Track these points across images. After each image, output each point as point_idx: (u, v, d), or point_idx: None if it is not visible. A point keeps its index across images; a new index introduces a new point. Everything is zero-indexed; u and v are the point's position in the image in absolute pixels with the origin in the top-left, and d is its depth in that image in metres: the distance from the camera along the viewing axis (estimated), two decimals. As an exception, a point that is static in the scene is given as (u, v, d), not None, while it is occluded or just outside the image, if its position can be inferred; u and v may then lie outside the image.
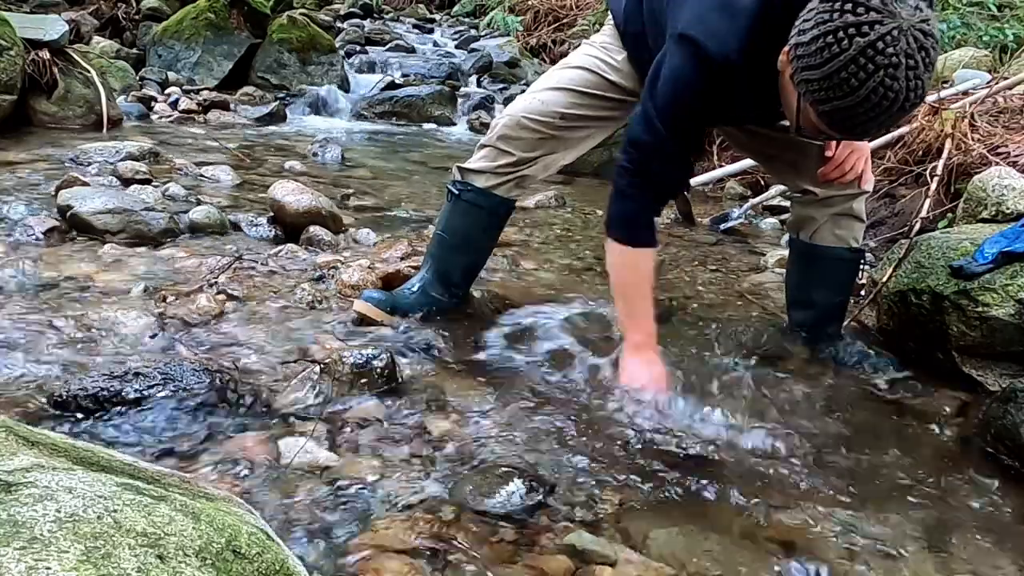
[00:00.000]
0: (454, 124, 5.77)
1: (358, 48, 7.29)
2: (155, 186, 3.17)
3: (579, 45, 2.22)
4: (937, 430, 1.85)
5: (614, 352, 1.97)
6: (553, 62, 2.41)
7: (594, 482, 1.54)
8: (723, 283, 2.75)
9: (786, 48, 1.54)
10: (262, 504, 1.36)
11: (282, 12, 6.49)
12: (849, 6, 1.42)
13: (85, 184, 2.94)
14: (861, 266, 2.25)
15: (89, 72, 4.41)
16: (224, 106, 5.30)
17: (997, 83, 3.58)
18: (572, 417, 1.77)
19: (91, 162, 3.44)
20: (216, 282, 2.27)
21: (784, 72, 1.57)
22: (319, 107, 5.70)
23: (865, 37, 1.40)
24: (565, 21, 8.06)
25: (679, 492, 1.54)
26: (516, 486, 1.48)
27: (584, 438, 1.69)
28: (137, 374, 1.66)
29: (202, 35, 5.95)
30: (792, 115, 1.60)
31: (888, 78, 1.41)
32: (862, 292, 2.44)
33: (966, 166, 3.02)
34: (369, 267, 2.41)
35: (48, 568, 0.69)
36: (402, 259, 2.56)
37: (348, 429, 1.65)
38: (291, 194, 2.86)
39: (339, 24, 8.21)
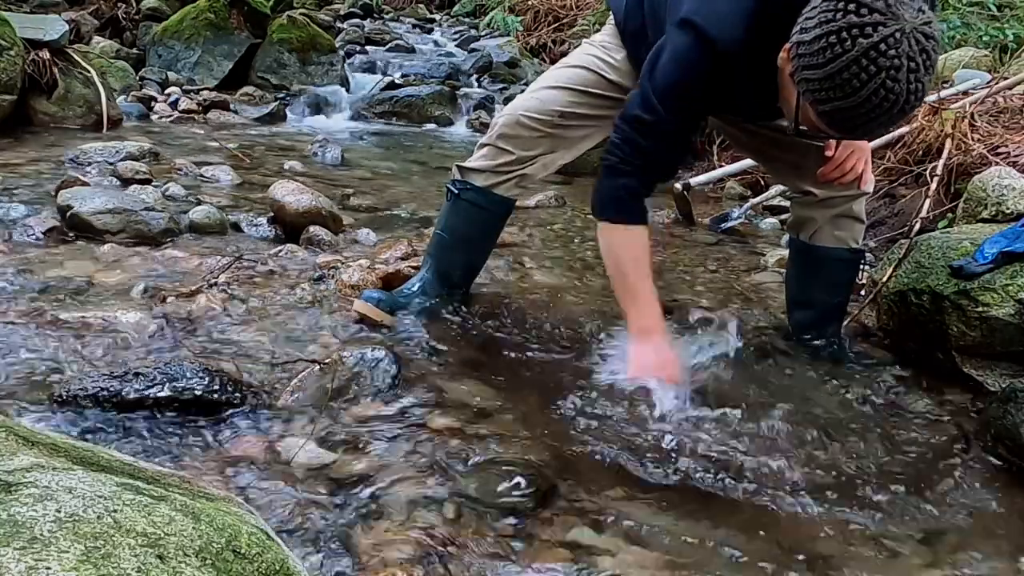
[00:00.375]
0: (454, 124, 5.76)
1: (358, 48, 7.28)
2: (155, 186, 3.17)
3: (579, 45, 2.22)
4: (937, 430, 1.85)
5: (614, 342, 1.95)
6: (553, 62, 2.42)
7: (595, 478, 1.54)
8: (723, 283, 2.75)
9: (787, 46, 1.54)
10: (262, 504, 1.36)
11: (282, 12, 6.49)
12: (852, 7, 1.42)
13: (85, 184, 2.93)
14: (861, 266, 2.25)
15: (89, 72, 4.40)
16: (224, 106, 5.29)
17: (997, 83, 3.58)
18: (572, 414, 1.77)
19: (91, 162, 3.43)
20: (216, 282, 2.27)
21: (784, 70, 1.57)
22: (319, 107, 5.69)
23: (868, 39, 1.40)
24: (565, 21, 8.05)
25: (679, 490, 1.54)
26: (517, 483, 1.49)
27: (585, 435, 1.69)
28: (137, 374, 1.67)
29: (202, 35, 5.94)
30: (791, 113, 1.60)
31: (890, 80, 1.42)
32: (862, 292, 2.44)
33: (966, 166, 3.01)
34: (369, 267, 2.41)
35: (48, 568, 0.69)
36: (402, 259, 2.56)
37: (348, 429, 1.65)
38: (291, 194, 2.86)
39: (339, 24, 8.19)
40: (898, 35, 1.40)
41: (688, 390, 1.80)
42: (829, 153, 1.96)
